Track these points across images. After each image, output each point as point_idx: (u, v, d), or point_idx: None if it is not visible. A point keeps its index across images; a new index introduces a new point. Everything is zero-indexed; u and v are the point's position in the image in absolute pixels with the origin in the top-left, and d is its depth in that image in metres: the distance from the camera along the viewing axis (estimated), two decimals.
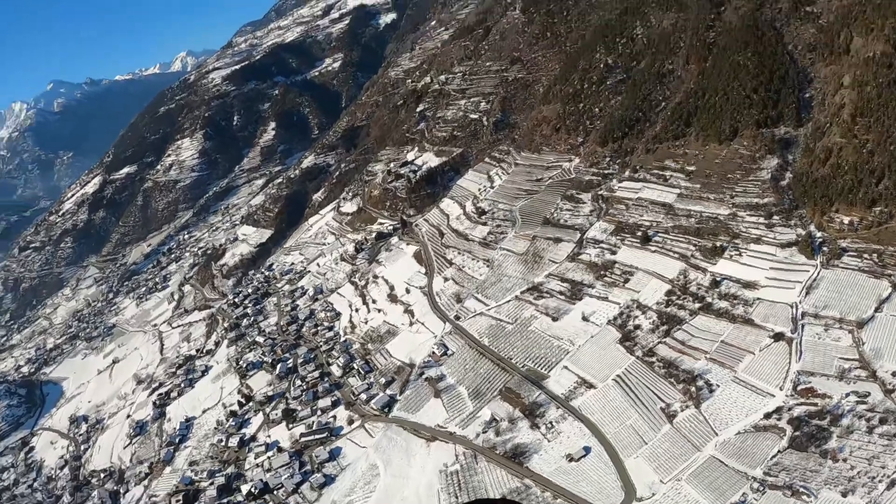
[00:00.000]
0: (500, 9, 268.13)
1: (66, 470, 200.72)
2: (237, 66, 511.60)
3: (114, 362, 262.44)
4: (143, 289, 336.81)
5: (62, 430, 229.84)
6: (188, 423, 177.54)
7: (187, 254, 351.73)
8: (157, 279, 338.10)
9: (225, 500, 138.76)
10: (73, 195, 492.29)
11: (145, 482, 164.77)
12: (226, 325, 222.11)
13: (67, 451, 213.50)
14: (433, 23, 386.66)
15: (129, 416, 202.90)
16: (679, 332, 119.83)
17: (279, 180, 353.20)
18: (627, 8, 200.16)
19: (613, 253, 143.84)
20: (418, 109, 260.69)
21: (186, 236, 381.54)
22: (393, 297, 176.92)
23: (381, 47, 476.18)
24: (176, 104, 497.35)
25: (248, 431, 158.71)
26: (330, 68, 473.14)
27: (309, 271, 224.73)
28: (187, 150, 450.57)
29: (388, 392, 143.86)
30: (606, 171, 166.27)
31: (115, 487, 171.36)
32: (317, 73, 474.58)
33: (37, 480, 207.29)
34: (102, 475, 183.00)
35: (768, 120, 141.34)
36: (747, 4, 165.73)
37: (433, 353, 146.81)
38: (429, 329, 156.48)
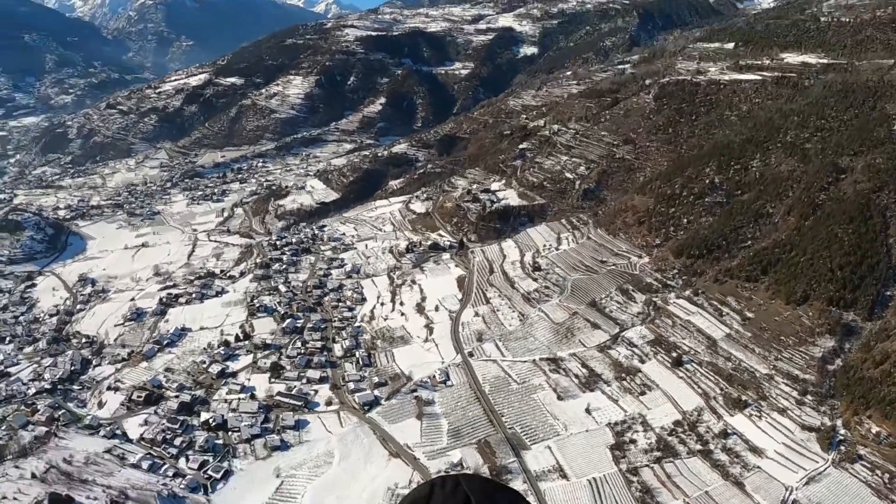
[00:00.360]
0: (635, 87, 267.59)
1: (54, 319, 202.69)
2: (373, 33, 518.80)
3: (143, 245, 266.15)
4: (200, 193, 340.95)
5: (68, 283, 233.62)
6: (182, 333, 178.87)
7: (253, 180, 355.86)
8: (216, 190, 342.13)
9: (181, 417, 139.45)
10: (176, 80, 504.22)
11: (118, 366, 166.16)
12: (258, 260, 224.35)
13: (64, 303, 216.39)
14: (568, 73, 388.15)
15: (133, 300, 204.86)
16: (670, 464, 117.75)
17: (366, 153, 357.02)
18: (753, 138, 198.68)
19: (642, 362, 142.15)
20: (521, 146, 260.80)
21: (260, 164, 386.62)
22: (420, 308, 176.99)
23: (510, 73, 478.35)
24: (304, 42, 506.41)
25: (232, 367, 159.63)
26: (457, 72, 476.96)
27: (355, 248, 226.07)
28: (295, 87, 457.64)
29: (376, 393, 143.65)
30: (669, 282, 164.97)
31: (90, 357, 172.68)
32: (442, 72, 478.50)
33: (24, 315, 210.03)
34: (84, 340, 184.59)
35: (842, 301, 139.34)
36: (867, 183, 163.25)
37: (434, 376, 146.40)
38: (440, 352, 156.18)
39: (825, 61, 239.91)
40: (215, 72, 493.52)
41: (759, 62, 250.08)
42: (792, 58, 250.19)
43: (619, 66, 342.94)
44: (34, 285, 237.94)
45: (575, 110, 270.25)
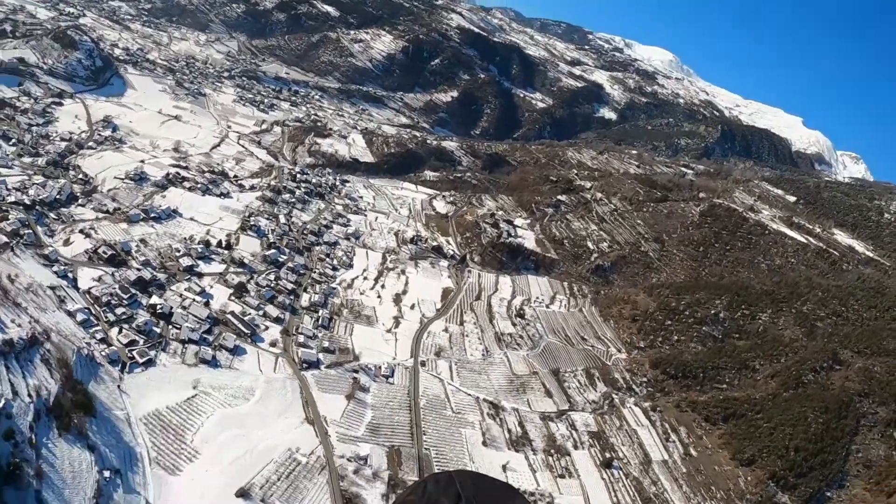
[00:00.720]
0: (687, 194, 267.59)
1: (63, 144, 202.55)
2: (476, 29, 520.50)
3: (176, 118, 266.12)
4: (250, 96, 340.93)
5: (92, 117, 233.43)
6: (172, 214, 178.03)
7: (304, 108, 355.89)
8: (265, 101, 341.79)
9: (133, 291, 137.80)
10: None
11: (100, 215, 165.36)
12: (272, 182, 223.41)
13: (79, 134, 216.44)
14: (634, 152, 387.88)
15: (142, 162, 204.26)
16: None
17: (417, 134, 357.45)
18: (773, 293, 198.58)
19: (576, 448, 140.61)
20: (559, 197, 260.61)
21: (317, 97, 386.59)
22: (398, 299, 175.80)
23: (582, 126, 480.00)
24: (410, 6, 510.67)
25: (202, 268, 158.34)
26: (534, 101, 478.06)
27: (365, 215, 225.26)
28: (383, 43, 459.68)
29: (320, 356, 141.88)
30: (634, 387, 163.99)
31: (78, 195, 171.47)
32: (521, 95, 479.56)
33: (38, 128, 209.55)
34: (80, 176, 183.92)
35: (783, 481, 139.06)
36: (857, 384, 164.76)
37: (380, 367, 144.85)
38: (396, 348, 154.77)
39: (871, 254, 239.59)
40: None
41: (811, 227, 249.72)
42: (842, 237, 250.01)
43: (683, 168, 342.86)
44: (60, 104, 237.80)
45: (624, 189, 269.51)
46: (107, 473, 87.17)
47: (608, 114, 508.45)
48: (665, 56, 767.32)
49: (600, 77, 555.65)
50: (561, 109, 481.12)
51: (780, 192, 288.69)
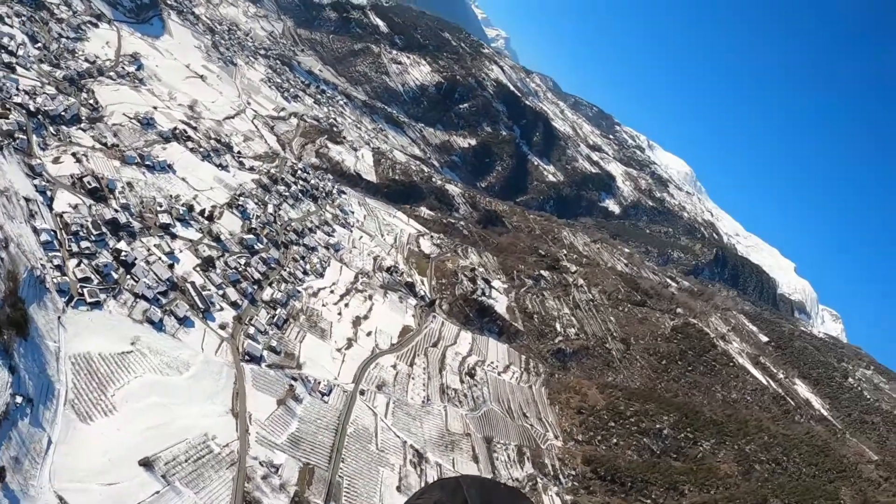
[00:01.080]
0: (665, 306, 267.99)
1: (85, 64, 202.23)
2: (512, 87, 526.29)
3: (202, 77, 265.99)
4: (278, 81, 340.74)
5: (122, 50, 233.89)
6: (166, 169, 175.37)
7: (326, 109, 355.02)
8: (291, 90, 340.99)
9: (104, 230, 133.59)
10: None
11: (96, 146, 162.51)
12: (271, 171, 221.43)
13: (104, 61, 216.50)
14: (626, 250, 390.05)
15: (154, 108, 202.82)
16: None
17: (425, 169, 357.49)
18: (722, 424, 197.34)
19: None
20: (542, 272, 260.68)
21: (341, 102, 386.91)
22: (357, 322, 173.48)
23: (584, 210, 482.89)
24: (456, 44, 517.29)
25: (178, 230, 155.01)
26: (546, 174, 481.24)
27: (351, 231, 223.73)
28: (419, 72, 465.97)
29: (264, 353, 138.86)
30: (561, 477, 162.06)
31: (83, 119, 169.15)
32: (535, 163, 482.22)
33: (66, 41, 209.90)
34: (91, 102, 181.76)
35: None
36: None
37: (319, 383, 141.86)
38: (339, 369, 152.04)
39: (826, 413, 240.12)
40: (373, 2, 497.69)
41: (775, 371, 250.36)
42: (802, 389, 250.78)
43: (668, 279, 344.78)
44: (96, 26, 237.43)
45: (606, 283, 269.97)
46: (19, 399, 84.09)
47: (613, 206, 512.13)
48: (682, 167, 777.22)
49: (615, 169, 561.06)
50: (569, 188, 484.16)
51: (754, 328, 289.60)
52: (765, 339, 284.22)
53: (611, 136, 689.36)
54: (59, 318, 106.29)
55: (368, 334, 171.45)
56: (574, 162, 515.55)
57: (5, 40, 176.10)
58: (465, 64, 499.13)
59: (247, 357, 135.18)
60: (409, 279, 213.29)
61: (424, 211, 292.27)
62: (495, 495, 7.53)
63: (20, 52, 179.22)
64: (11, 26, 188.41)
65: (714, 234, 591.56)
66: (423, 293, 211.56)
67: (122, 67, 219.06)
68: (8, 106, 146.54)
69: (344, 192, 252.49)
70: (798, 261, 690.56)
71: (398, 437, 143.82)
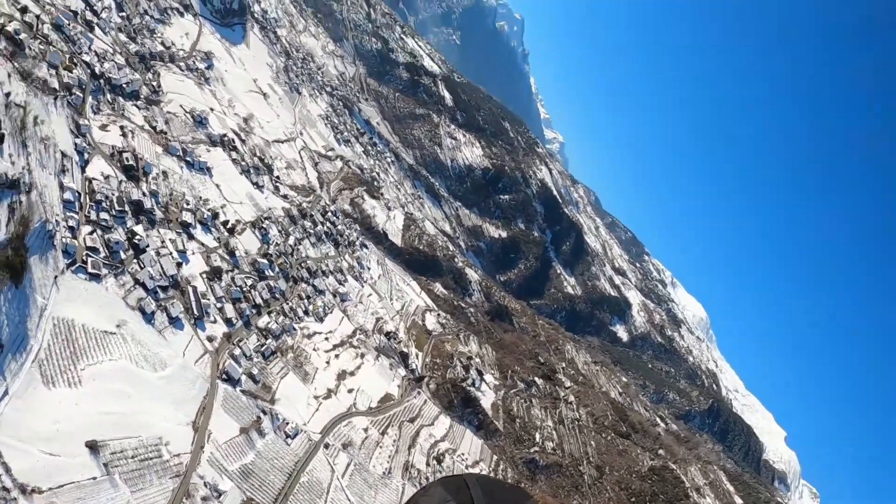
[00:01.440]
0: (649, 445, 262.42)
1: (160, 46, 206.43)
2: (555, 192, 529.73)
3: (264, 94, 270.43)
4: (335, 120, 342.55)
5: (199, 46, 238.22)
6: (203, 170, 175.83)
7: (371, 161, 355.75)
8: (343, 135, 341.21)
9: (127, 211, 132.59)
10: (420, 45, 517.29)
11: (146, 126, 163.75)
12: (303, 205, 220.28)
13: (178, 51, 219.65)
14: (623, 380, 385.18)
15: (211, 109, 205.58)
16: None
17: (450, 248, 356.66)
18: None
19: None
20: (536, 378, 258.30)
21: (389, 159, 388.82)
22: (342, 376, 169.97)
23: (593, 331, 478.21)
24: (514, 136, 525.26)
25: (196, 232, 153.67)
26: (565, 284, 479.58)
27: (363, 286, 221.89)
28: (470, 152, 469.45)
29: (243, 378, 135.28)
30: None
31: (140, 95, 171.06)
32: (558, 271, 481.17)
33: (150, 20, 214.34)
34: (153, 85, 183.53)
35: None
36: None
37: (287, 423, 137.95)
38: (311, 415, 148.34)
39: None
40: (446, 74, 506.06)
41: None
42: None
43: (658, 419, 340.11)
44: (182, 15, 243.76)
45: (597, 406, 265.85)
46: None
47: (622, 332, 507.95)
48: (699, 311, 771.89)
49: (634, 297, 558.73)
50: (584, 304, 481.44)
51: (731, 488, 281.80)
52: (739, 502, 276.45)
53: (637, 265, 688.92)
54: (55, 277, 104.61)
55: (350, 391, 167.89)
56: (596, 280, 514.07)
57: None
58: (516, 157, 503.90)
59: (224, 376, 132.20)
60: (405, 349, 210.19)
61: (439, 287, 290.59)
62: (498, 493, 7.37)
63: (103, 15, 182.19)
64: None
65: (714, 385, 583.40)
66: (414, 367, 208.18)
67: (194, 61, 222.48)
68: (75, 60, 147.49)
69: (366, 247, 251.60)
70: (790, 429, 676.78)
71: (349, 500, 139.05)
